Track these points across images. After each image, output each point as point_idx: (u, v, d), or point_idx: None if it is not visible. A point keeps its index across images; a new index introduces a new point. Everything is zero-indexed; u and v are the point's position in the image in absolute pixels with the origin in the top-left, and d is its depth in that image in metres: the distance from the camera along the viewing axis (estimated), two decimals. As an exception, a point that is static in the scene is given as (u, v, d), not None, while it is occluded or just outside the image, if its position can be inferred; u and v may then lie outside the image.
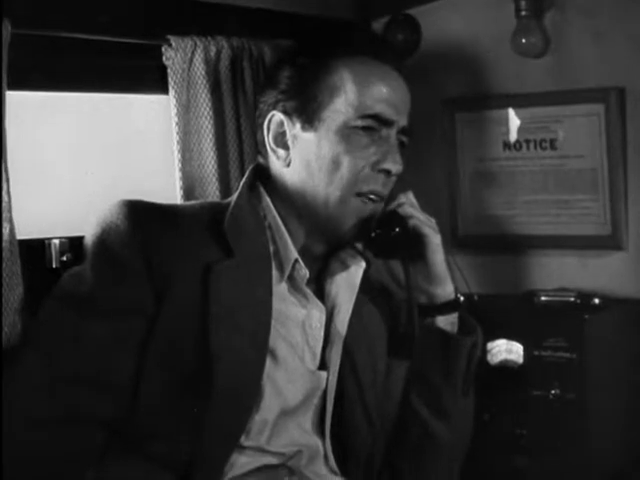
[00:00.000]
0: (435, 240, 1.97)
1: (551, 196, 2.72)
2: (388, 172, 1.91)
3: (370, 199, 1.92)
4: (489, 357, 2.52)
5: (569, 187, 2.69)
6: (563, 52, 2.67)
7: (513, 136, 2.77)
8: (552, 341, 2.45)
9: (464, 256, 2.69)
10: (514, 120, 2.76)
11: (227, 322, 1.81)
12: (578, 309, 2.53)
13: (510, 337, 2.51)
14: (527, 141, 2.75)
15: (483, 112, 2.80)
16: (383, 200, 1.95)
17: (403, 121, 1.95)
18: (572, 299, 2.58)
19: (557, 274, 2.72)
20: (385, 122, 1.91)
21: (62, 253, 2.25)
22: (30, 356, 1.78)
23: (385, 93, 1.91)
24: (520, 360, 2.50)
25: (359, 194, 1.91)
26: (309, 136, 1.91)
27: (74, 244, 2.23)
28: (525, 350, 2.49)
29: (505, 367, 2.51)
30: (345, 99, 1.90)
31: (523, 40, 2.67)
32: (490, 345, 2.52)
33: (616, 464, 2.53)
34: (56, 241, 2.25)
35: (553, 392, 2.44)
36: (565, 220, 2.70)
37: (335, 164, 1.89)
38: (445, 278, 2.00)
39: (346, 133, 1.89)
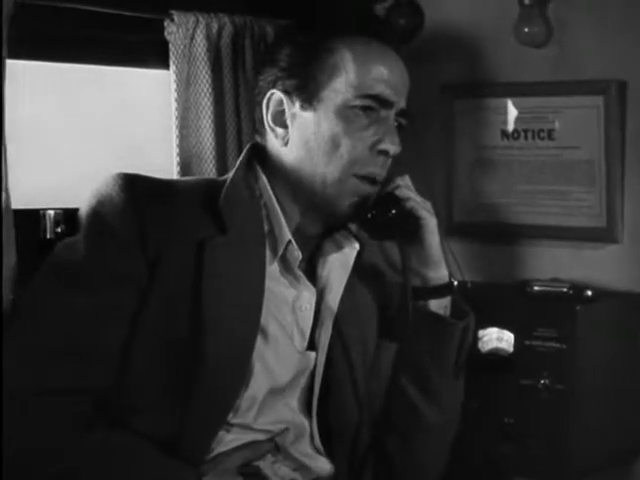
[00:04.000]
0: (431, 223, 1.97)
1: (547, 186, 2.72)
2: (386, 153, 1.91)
3: (368, 180, 1.92)
4: (480, 345, 2.52)
5: (566, 178, 2.69)
6: (565, 43, 2.67)
7: (511, 125, 2.76)
8: (543, 331, 2.45)
9: (459, 243, 2.69)
10: (513, 109, 2.76)
11: (219, 297, 1.81)
12: (570, 300, 2.53)
13: (501, 325, 2.50)
14: (525, 131, 2.75)
15: (482, 100, 2.80)
16: (380, 182, 1.95)
17: (402, 103, 1.95)
18: (565, 290, 2.57)
19: (551, 264, 2.72)
20: (384, 103, 1.91)
21: (57, 224, 2.26)
22: (20, 326, 1.78)
23: (385, 74, 1.91)
24: (511, 349, 2.50)
25: (357, 175, 1.91)
26: (308, 115, 1.91)
27: (69, 216, 2.23)
28: (516, 339, 2.49)
29: (496, 355, 2.51)
30: (345, 79, 1.89)
31: (526, 29, 2.67)
32: (481, 333, 2.51)
33: (602, 455, 2.53)
34: (51, 212, 2.26)
35: (542, 382, 2.44)
36: (561, 211, 2.70)
37: (334, 144, 1.89)
38: (440, 261, 2.00)
39: (345, 113, 1.89)
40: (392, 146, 1.90)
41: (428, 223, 1.96)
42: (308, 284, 1.95)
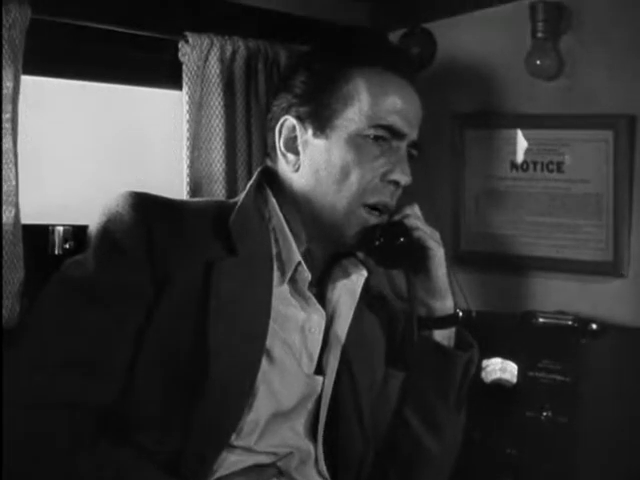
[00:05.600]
0: (438, 253, 1.98)
1: (555, 219, 2.72)
2: (397, 183, 1.92)
3: (377, 209, 1.93)
4: (483, 375, 2.52)
5: (573, 211, 2.69)
6: (576, 76, 2.67)
7: (521, 156, 2.76)
8: (547, 363, 2.46)
9: (465, 272, 2.68)
10: (523, 141, 2.76)
11: (226, 318, 1.81)
12: (575, 333, 2.53)
13: (505, 356, 2.51)
14: (534, 162, 2.75)
15: (493, 130, 2.81)
16: (389, 211, 1.96)
17: (414, 135, 1.96)
18: (570, 323, 2.57)
19: (556, 297, 2.71)
20: (397, 134, 1.92)
21: (65, 240, 2.26)
22: (27, 339, 1.78)
23: (399, 105, 1.92)
24: (514, 380, 2.50)
25: (365, 205, 1.91)
26: (320, 143, 1.92)
27: (78, 232, 2.24)
28: (519, 370, 2.49)
29: (499, 386, 2.52)
30: (359, 108, 1.90)
31: (537, 61, 2.67)
32: (485, 363, 2.52)
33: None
34: (60, 228, 2.26)
35: (545, 414, 2.44)
36: (567, 243, 2.70)
37: (344, 173, 1.90)
38: (446, 292, 2.01)
39: (357, 142, 1.90)
40: (403, 176, 1.91)
41: (435, 254, 1.97)
42: (318, 307, 1.96)
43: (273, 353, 1.88)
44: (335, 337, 1.97)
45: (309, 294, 1.94)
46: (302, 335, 1.94)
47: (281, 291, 1.91)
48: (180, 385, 1.79)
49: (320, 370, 1.96)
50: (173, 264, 1.81)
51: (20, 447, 1.71)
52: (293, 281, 1.93)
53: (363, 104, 1.90)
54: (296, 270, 1.92)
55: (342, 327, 1.97)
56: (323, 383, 1.95)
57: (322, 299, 1.98)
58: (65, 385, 1.74)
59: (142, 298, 1.80)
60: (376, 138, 1.90)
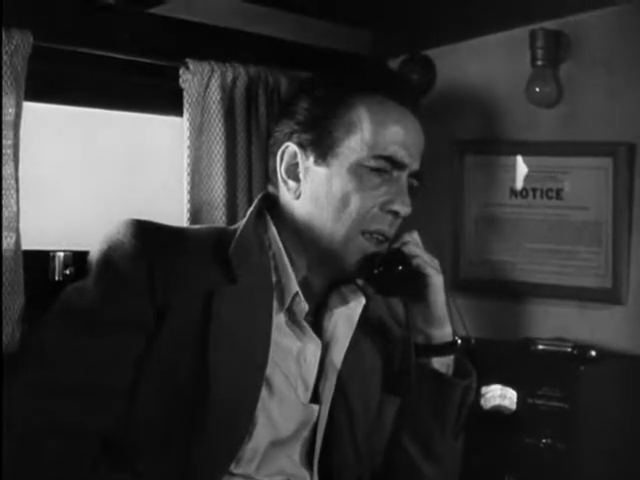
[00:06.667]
0: (437, 281, 1.97)
1: (554, 246, 2.72)
2: (396, 213, 1.92)
3: (375, 238, 1.93)
4: (482, 401, 2.52)
5: (572, 238, 2.69)
6: (576, 104, 2.68)
7: (520, 183, 2.77)
8: (546, 390, 2.45)
9: (464, 299, 2.68)
10: (522, 167, 2.77)
11: (226, 348, 1.81)
12: (574, 360, 2.53)
13: (505, 383, 2.51)
14: (534, 189, 2.75)
15: (492, 157, 2.81)
16: (388, 240, 1.95)
17: (416, 165, 1.96)
18: (569, 349, 2.57)
19: (555, 323, 2.71)
20: (398, 164, 1.92)
21: (66, 266, 2.27)
22: (27, 366, 1.78)
23: (401, 135, 1.92)
24: (513, 406, 2.50)
25: (365, 232, 1.91)
26: (321, 171, 1.92)
27: (78, 258, 2.24)
28: (519, 397, 2.49)
29: (498, 412, 2.51)
30: (360, 137, 1.90)
31: (537, 89, 2.68)
32: (484, 389, 2.52)
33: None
34: (60, 254, 2.27)
35: (544, 441, 2.44)
36: (566, 270, 2.70)
37: (344, 202, 1.89)
38: (444, 320, 2.00)
39: (358, 172, 1.90)
40: (403, 207, 1.91)
41: (434, 282, 1.96)
42: (314, 336, 1.95)
43: (272, 382, 1.87)
44: (331, 365, 1.96)
45: (305, 324, 1.94)
46: (298, 364, 1.93)
47: (278, 320, 1.91)
48: (180, 413, 1.79)
49: (316, 398, 1.96)
50: (174, 293, 1.81)
51: (20, 473, 1.70)
52: (290, 311, 1.93)
53: (365, 133, 1.90)
54: (293, 300, 1.92)
55: (338, 355, 1.97)
56: (319, 411, 1.95)
57: (319, 327, 1.98)
58: (65, 412, 1.74)
59: (142, 327, 1.80)
60: (377, 169, 1.90)
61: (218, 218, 2.44)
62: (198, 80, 2.42)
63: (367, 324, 2.05)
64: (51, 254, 2.27)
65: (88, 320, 1.80)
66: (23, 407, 1.73)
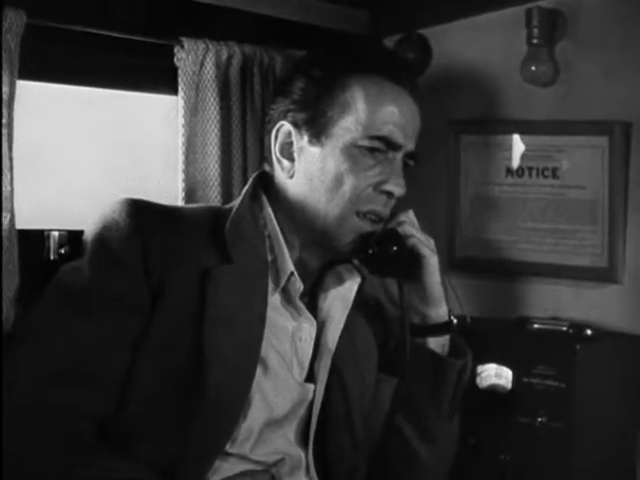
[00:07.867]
0: (432, 261, 1.96)
1: (550, 225, 2.72)
2: (390, 194, 1.91)
3: (369, 219, 1.92)
4: (478, 380, 2.52)
5: (568, 217, 2.70)
6: (572, 83, 2.68)
7: (516, 162, 2.77)
8: (542, 369, 2.45)
9: (460, 278, 2.67)
10: (518, 146, 2.77)
11: (222, 327, 1.81)
12: (570, 339, 2.53)
13: (500, 362, 2.51)
14: (530, 168, 2.75)
15: (488, 136, 2.81)
16: (382, 220, 1.94)
17: (411, 145, 1.94)
18: (564, 328, 2.57)
19: (551, 302, 2.72)
20: (392, 145, 1.91)
21: (61, 245, 2.26)
22: (23, 348, 1.78)
23: (396, 116, 1.91)
24: (509, 385, 2.50)
25: (359, 213, 1.91)
26: (315, 150, 1.91)
27: (73, 237, 2.24)
28: (514, 376, 2.49)
29: (493, 392, 2.51)
30: (355, 117, 1.89)
31: (533, 68, 2.68)
32: (480, 369, 2.52)
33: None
34: (55, 233, 2.26)
35: (540, 420, 2.44)
36: (562, 249, 2.71)
37: (338, 182, 1.89)
38: (440, 300, 2.00)
39: (352, 152, 1.89)
40: (397, 188, 1.90)
41: (429, 262, 1.96)
42: (309, 316, 1.95)
43: (267, 362, 1.87)
44: (326, 345, 1.96)
45: (300, 304, 1.94)
46: (293, 344, 1.93)
47: (273, 300, 1.91)
48: (176, 394, 1.78)
49: (311, 377, 1.95)
50: (169, 273, 1.81)
51: (18, 454, 1.71)
52: (285, 290, 1.92)
53: (360, 113, 1.89)
54: (289, 280, 1.91)
55: (333, 335, 1.97)
56: (314, 390, 1.95)
57: (314, 306, 1.98)
58: (61, 394, 1.74)
59: (138, 308, 1.80)
60: (371, 149, 1.89)
61: (213, 197, 2.43)
62: (192, 58, 2.41)
63: (363, 304, 2.05)
64: (46, 233, 2.26)
65: (83, 302, 1.79)
66: (18, 389, 1.73)
